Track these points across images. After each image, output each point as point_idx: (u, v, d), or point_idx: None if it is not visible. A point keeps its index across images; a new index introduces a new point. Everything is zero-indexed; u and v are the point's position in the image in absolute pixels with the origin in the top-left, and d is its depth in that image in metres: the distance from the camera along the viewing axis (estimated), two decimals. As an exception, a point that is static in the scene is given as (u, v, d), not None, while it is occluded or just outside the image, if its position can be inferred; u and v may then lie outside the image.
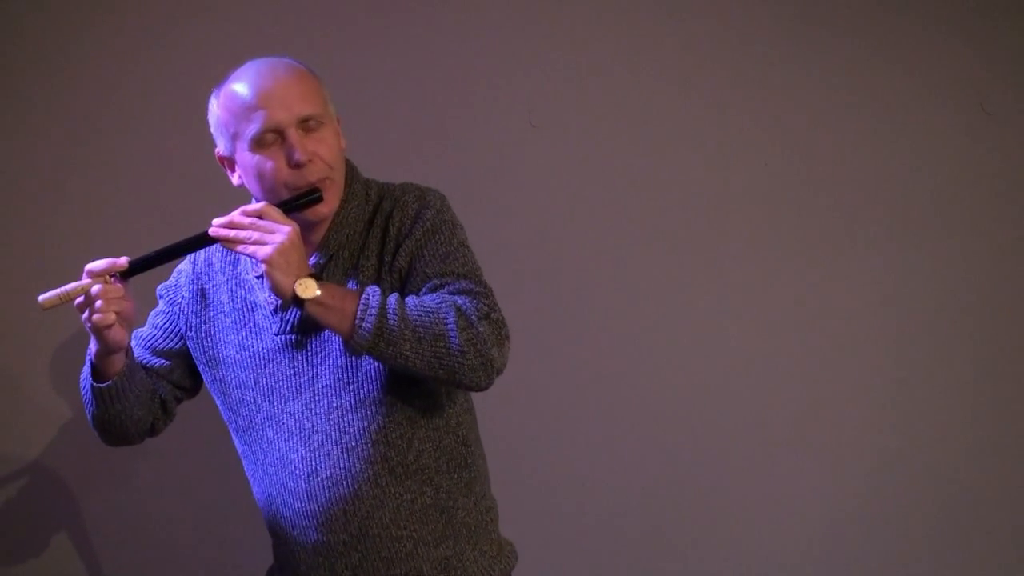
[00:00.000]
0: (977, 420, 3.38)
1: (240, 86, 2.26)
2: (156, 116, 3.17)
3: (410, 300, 2.20)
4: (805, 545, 3.35)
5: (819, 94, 3.34)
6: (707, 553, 3.35)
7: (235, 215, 2.18)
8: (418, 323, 2.16)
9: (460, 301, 2.21)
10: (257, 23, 3.20)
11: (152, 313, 2.47)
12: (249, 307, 2.35)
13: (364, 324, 2.14)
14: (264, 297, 2.33)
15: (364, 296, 2.17)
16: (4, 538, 3.16)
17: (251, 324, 2.35)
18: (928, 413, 3.37)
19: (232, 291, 2.38)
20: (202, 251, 2.41)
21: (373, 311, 2.15)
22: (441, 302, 2.19)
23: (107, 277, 2.17)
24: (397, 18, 3.25)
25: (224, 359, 2.37)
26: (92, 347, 2.26)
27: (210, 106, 2.32)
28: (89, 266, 2.18)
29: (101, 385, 2.28)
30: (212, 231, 2.18)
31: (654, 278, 3.33)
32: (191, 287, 2.42)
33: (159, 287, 2.49)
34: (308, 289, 2.14)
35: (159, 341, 2.44)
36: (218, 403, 2.43)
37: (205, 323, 2.40)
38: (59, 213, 3.16)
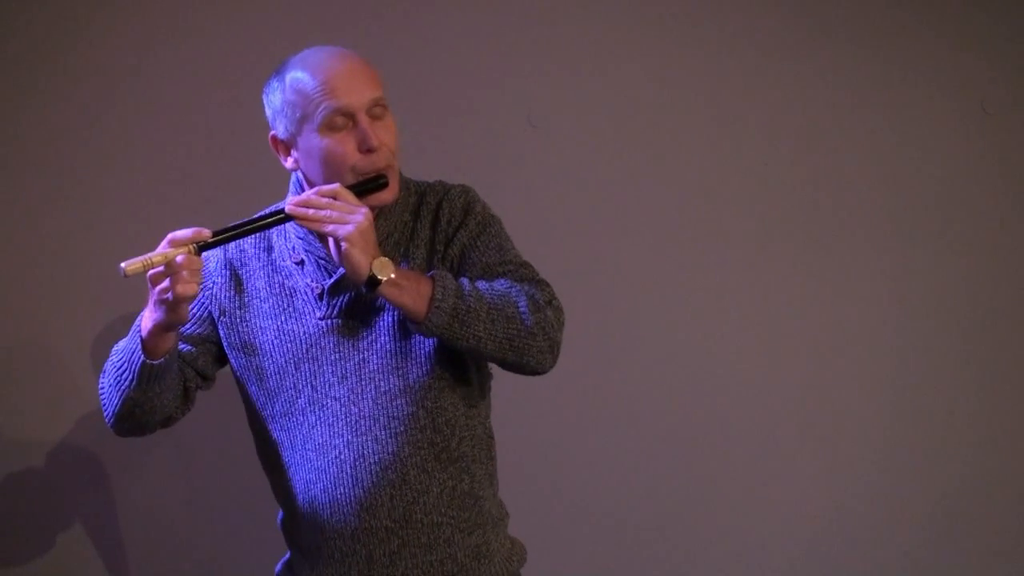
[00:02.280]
0: (978, 419, 3.39)
1: (309, 70, 2.28)
2: (163, 111, 3.15)
3: (480, 283, 2.26)
4: (809, 544, 3.36)
5: (819, 94, 3.35)
6: (710, 552, 3.34)
7: (311, 195, 2.21)
8: (492, 304, 2.22)
9: (526, 287, 2.27)
10: (256, 24, 3.18)
11: None
12: (288, 292, 2.36)
13: (442, 304, 2.19)
14: (305, 282, 2.34)
15: (439, 277, 2.22)
16: (8, 536, 3.14)
17: (290, 309, 2.34)
18: (928, 412, 3.38)
19: (269, 277, 2.37)
20: None
21: (451, 291, 2.20)
22: (509, 286, 2.26)
23: (190, 247, 2.14)
24: (396, 18, 3.24)
25: (261, 345, 2.35)
26: (148, 322, 2.20)
27: (269, 90, 2.33)
28: (173, 235, 2.15)
29: (154, 362, 2.23)
30: (289, 209, 2.20)
31: (654, 278, 3.32)
32: (224, 272, 2.40)
33: None
34: (385, 269, 2.18)
35: (187, 326, 2.37)
36: (251, 390, 2.39)
37: (240, 308, 2.37)
38: (58, 211, 3.13)
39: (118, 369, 2.28)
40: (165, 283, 2.14)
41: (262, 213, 2.32)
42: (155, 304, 2.18)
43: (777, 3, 3.34)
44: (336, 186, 2.22)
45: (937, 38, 3.36)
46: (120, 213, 3.12)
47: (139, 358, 2.23)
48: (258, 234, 2.38)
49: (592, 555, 3.31)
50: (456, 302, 2.19)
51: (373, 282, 2.17)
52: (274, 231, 2.38)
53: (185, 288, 2.13)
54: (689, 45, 3.34)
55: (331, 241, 2.19)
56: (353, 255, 2.16)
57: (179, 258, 2.13)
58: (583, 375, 3.29)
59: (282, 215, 2.22)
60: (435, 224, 2.35)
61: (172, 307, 2.15)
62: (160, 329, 2.20)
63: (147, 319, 2.21)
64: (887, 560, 3.37)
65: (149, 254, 2.12)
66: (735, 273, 3.34)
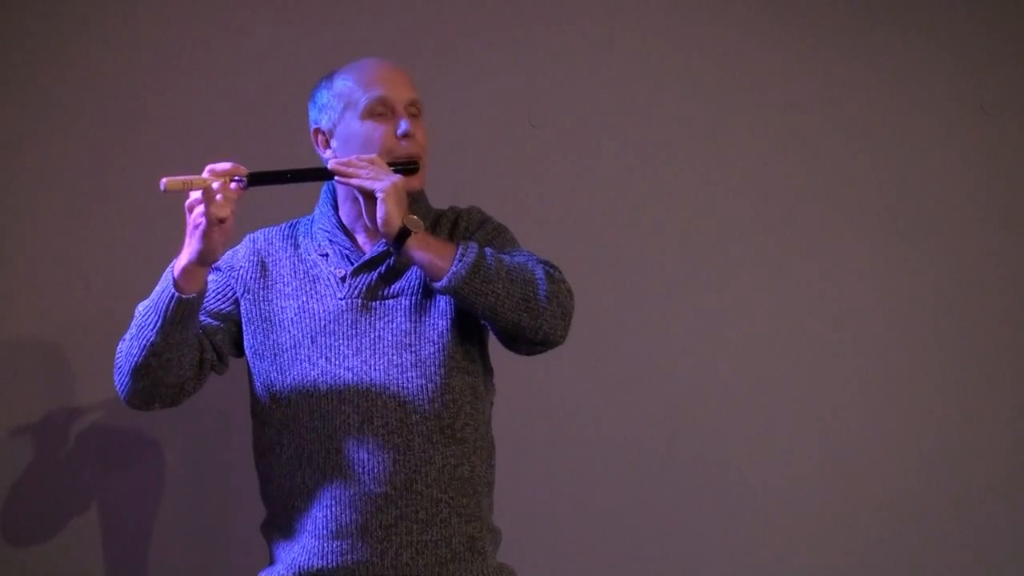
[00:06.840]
0: (979, 419, 3.38)
1: (356, 71, 2.51)
2: (169, 116, 3.17)
3: (501, 254, 2.42)
4: (805, 545, 3.34)
5: (819, 94, 3.37)
6: (707, 554, 3.34)
7: (352, 158, 2.41)
8: (511, 267, 2.38)
9: (542, 263, 2.44)
10: (256, 24, 3.19)
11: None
12: (311, 279, 2.50)
13: (465, 259, 2.34)
14: (329, 270, 2.48)
15: (462, 240, 2.41)
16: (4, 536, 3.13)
17: (312, 291, 2.48)
18: (928, 413, 3.37)
19: (294, 265, 2.52)
20: (262, 233, 2.57)
21: (473, 249, 2.36)
22: (527, 260, 2.44)
23: (227, 180, 2.26)
24: (396, 18, 3.26)
25: (280, 320, 2.47)
26: (182, 259, 2.29)
27: (316, 93, 2.53)
28: (212, 165, 2.27)
29: (186, 296, 2.31)
30: (332, 165, 2.40)
31: (653, 278, 3.33)
32: (251, 258, 2.54)
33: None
34: (416, 224, 2.35)
35: (210, 302, 2.50)
36: (263, 367, 2.47)
37: (263, 288, 2.51)
38: (69, 214, 3.14)
39: (143, 316, 2.36)
40: (200, 208, 2.25)
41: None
42: (190, 233, 2.28)
43: (777, 4, 3.35)
44: (374, 155, 2.42)
45: (937, 38, 3.37)
46: (115, 212, 3.13)
47: (171, 293, 2.31)
48: (285, 233, 2.56)
49: (584, 565, 3.29)
50: (478, 259, 2.35)
51: (403, 234, 2.33)
52: (300, 232, 2.55)
53: (218, 209, 2.24)
54: (689, 45, 3.35)
55: (363, 202, 2.38)
56: (388, 205, 2.33)
57: (215, 184, 2.25)
58: (580, 374, 3.28)
59: (324, 171, 2.40)
60: (452, 233, 2.52)
61: (206, 233, 2.25)
62: (193, 264, 2.29)
63: (181, 257, 2.30)
64: (888, 560, 3.37)
65: (190, 175, 2.23)
66: (735, 273, 3.34)
